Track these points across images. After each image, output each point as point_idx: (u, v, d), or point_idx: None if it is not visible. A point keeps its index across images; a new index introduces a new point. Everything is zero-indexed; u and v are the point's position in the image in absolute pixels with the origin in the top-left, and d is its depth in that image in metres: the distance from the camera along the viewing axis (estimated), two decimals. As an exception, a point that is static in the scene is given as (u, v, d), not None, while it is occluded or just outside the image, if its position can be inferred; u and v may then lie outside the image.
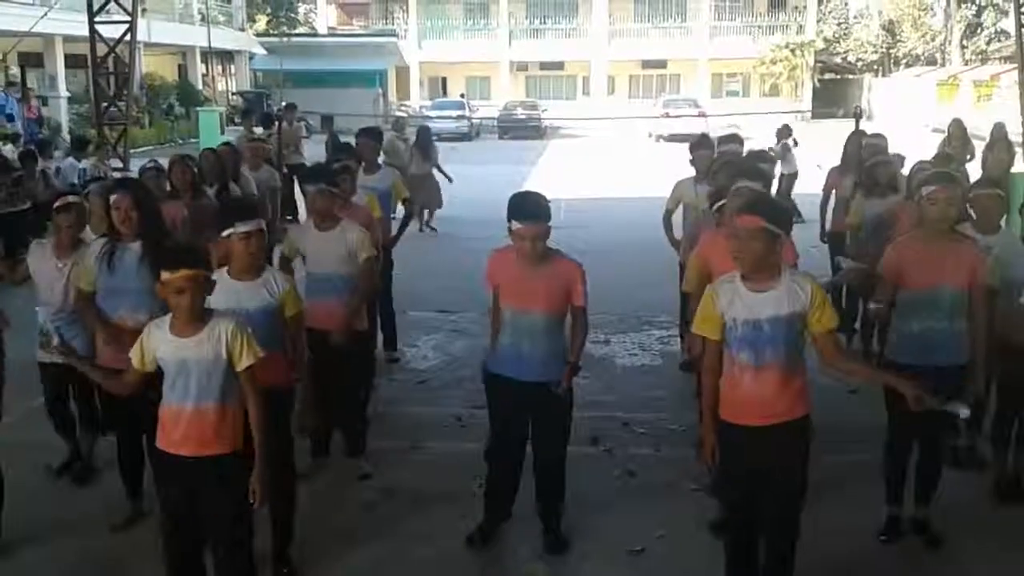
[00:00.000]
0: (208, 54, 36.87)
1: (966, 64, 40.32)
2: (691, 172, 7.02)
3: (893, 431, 4.57)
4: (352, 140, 7.46)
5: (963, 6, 43.13)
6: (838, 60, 46.34)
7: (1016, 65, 15.87)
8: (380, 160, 7.70)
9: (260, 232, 4.03)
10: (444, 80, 46.62)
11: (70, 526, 4.75)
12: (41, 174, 11.24)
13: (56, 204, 4.99)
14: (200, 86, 36.47)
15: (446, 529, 4.68)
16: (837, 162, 8.40)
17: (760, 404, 3.62)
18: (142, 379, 3.64)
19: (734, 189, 4.50)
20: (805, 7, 44.42)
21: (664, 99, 36.80)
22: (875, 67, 46.88)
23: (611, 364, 7.37)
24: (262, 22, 45.78)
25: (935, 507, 4.61)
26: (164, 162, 6.83)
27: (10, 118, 21.71)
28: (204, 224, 6.24)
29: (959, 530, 4.60)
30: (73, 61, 27.73)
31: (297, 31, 45.69)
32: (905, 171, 7.10)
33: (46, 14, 18.84)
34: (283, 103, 19.59)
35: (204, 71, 38.45)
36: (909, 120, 32.80)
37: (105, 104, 17.74)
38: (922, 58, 46.04)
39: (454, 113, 34.34)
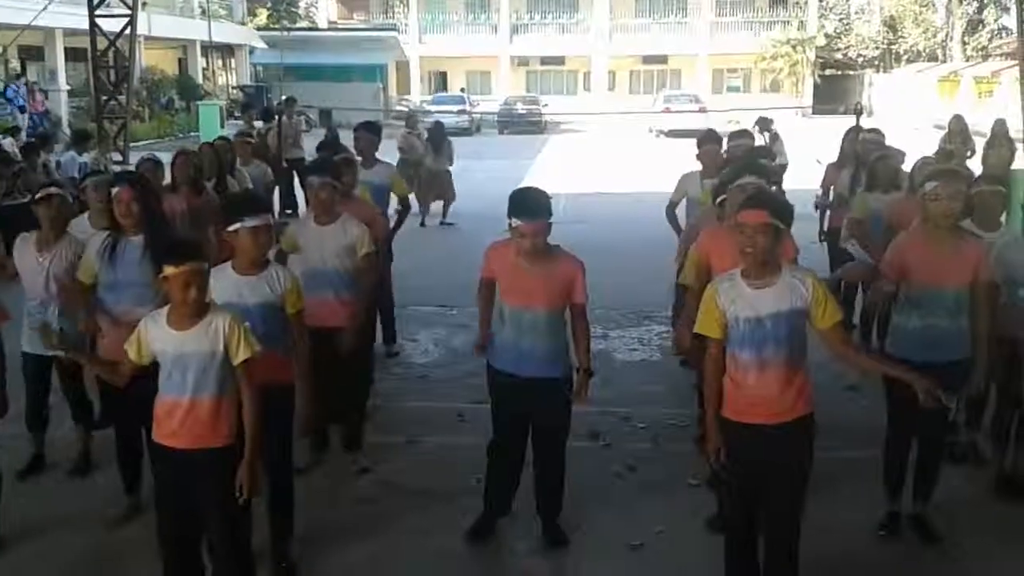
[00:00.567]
0: (208, 48, 36.84)
1: (967, 60, 40.29)
2: (697, 166, 6.99)
3: (892, 427, 4.58)
4: (351, 134, 7.46)
5: (964, 2, 43.09)
6: (839, 56, 46.29)
7: (1017, 61, 15.85)
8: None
9: (268, 227, 4.01)
10: (445, 75, 46.58)
11: (67, 521, 4.75)
12: (42, 167, 11.24)
13: (37, 196, 4.98)
14: (200, 80, 36.43)
15: (445, 524, 4.67)
16: (835, 158, 8.40)
17: (763, 402, 3.60)
18: (139, 372, 3.63)
19: (737, 184, 4.49)
20: (806, 3, 44.36)
21: (665, 94, 36.74)
22: (876, 63, 46.82)
23: (610, 359, 7.37)
24: (263, 16, 45.75)
25: (934, 504, 4.61)
26: (164, 156, 6.83)
27: (22, 109, 21.77)
28: (204, 218, 6.26)
29: (958, 527, 4.60)
30: (73, 54, 27.73)
31: (298, 25, 45.68)
32: (906, 167, 7.09)
33: (46, 7, 18.82)
34: (283, 97, 19.58)
35: (204, 65, 38.41)
36: (910, 116, 32.78)
37: (105, 98, 17.77)
38: (923, 54, 45.98)
39: (454, 108, 34.29)
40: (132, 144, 18.93)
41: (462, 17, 46.40)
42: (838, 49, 46.42)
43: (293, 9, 47.06)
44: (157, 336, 3.52)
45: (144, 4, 21.73)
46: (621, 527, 4.69)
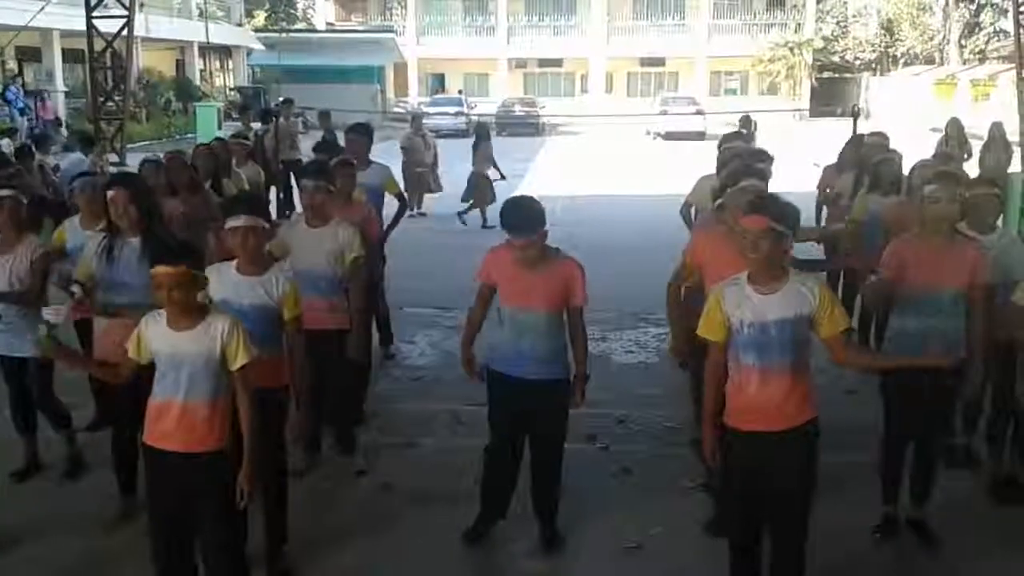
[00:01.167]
0: (206, 49, 36.84)
1: (964, 63, 40.34)
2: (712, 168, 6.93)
3: (888, 427, 4.58)
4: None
5: (961, 5, 43.15)
6: (836, 59, 46.35)
7: (1014, 64, 15.88)
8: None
9: (255, 229, 4.00)
10: (442, 77, 46.59)
11: (62, 524, 4.72)
12: (39, 169, 11.20)
13: None
14: (198, 81, 36.45)
15: (442, 526, 4.66)
16: (832, 160, 8.40)
17: (766, 409, 3.57)
18: (139, 371, 3.63)
19: (738, 187, 4.46)
20: (804, 5, 44.47)
21: (662, 97, 36.82)
22: (873, 66, 46.90)
23: (607, 361, 7.37)
24: (260, 17, 45.75)
25: (931, 506, 4.61)
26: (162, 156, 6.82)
27: (22, 111, 21.74)
28: (201, 219, 6.25)
29: (955, 530, 4.60)
30: (70, 56, 27.72)
31: (295, 27, 45.66)
32: (903, 170, 7.09)
33: (43, 8, 18.81)
34: (280, 99, 19.57)
35: (202, 66, 38.44)
36: (907, 119, 32.82)
37: (102, 99, 17.74)
38: (920, 57, 46.05)
39: (452, 110, 34.31)
40: (129, 146, 18.91)
41: (460, 19, 46.46)
42: (835, 52, 46.47)
43: (291, 11, 47.07)
44: (156, 335, 3.51)
45: (141, 5, 21.70)
46: (618, 529, 4.69)
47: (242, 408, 3.54)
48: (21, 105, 22.20)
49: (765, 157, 5.85)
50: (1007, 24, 35.92)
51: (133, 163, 7.99)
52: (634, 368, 7.34)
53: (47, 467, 5.32)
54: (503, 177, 14.43)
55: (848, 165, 7.96)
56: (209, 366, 3.47)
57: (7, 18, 20.88)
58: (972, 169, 8.83)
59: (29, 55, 27.76)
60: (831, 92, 42.96)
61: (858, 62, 46.94)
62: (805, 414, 3.63)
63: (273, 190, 12.60)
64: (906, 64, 45.90)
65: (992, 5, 42.03)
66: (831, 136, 9.82)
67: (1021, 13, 14.38)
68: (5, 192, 4.96)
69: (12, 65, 26.75)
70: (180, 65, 37.27)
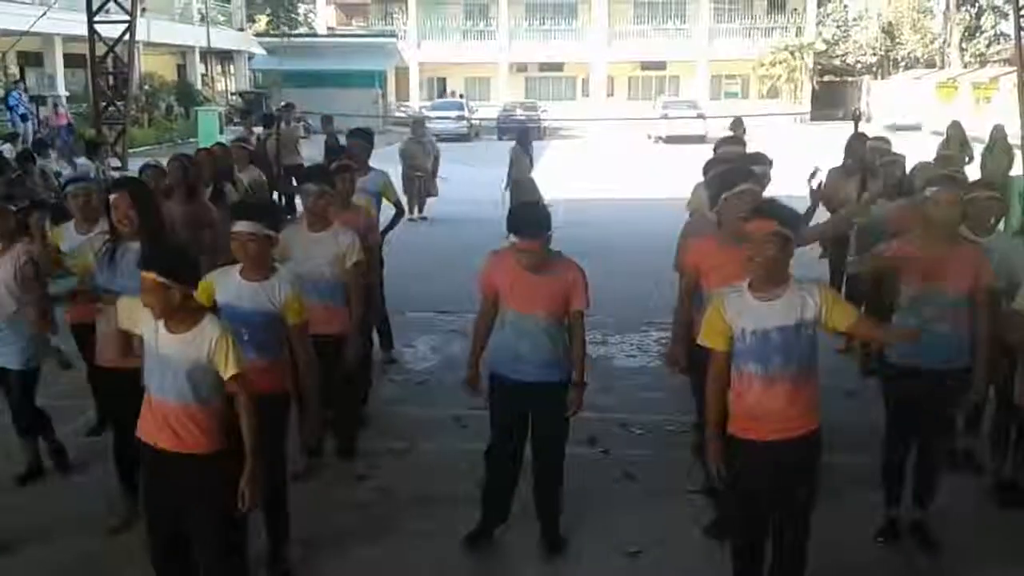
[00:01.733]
0: (207, 54, 36.88)
1: (965, 67, 40.35)
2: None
3: (889, 430, 4.57)
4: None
5: (962, 9, 43.19)
6: (837, 62, 46.38)
7: (1015, 68, 15.88)
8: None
9: (252, 235, 3.99)
10: (444, 81, 46.62)
11: (62, 524, 4.72)
12: (40, 174, 11.23)
13: None
14: (199, 86, 36.47)
15: (443, 530, 4.66)
16: (835, 163, 8.37)
17: (769, 417, 3.54)
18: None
19: (734, 193, 4.41)
20: (804, 9, 44.50)
21: (663, 100, 36.85)
22: (874, 69, 46.92)
23: (609, 365, 7.37)
24: (262, 22, 45.81)
25: (933, 510, 4.59)
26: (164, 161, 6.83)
27: (24, 117, 21.74)
28: (200, 224, 6.26)
29: (957, 534, 4.59)
30: (72, 61, 27.76)
31: (297, 31, 45.68)
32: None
33: (45, 13, 18.84)
34: (282, 103, 19.57)
35: (203, 71, 38.45)
36: (907, 123, 32.82)
37: (104, 104, 17.76)
38: (921, 60, 46.07)
39: (453, 114, 34.32)
40: (131, 150, 18.94)
41: (461, 23, 46.49)
42: (836, 55, 46.52)
43: (292, 15, 47.10)
44: (149, 328, 3.52)
45: (143, 10, 21.74)
46: (619, 533, 4.68)
47: (243, 414, 3.52)
48: (23, 111, 22.19)
49: (764, 160, 5.82)
50: (1008, 27, 35.97)
51: (135, 168, 7.98)
52: (636, 372, 7.32)
53: (48, 470, 5.33)
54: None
55: (853, 168, 7.92)
56: (195, 373, 3.45)
57: (9, 23, 20.91)
58: (974, 172, 8.82)
59: (30, 60, 27.80)
60: (832, 96, 42.95)
61: (859, 65, 46.97)
62: (808, 423, 3.61)
63: (275, 194, 12.58)
64: (907, 68, 45.92)
65: (993, 9, 42.07)
66: (833, 140, 9.81)
67: (1022, 16, 14.39)
68: None
69: (14, 70, 26.78)
70: (182, 70, 37.30)
